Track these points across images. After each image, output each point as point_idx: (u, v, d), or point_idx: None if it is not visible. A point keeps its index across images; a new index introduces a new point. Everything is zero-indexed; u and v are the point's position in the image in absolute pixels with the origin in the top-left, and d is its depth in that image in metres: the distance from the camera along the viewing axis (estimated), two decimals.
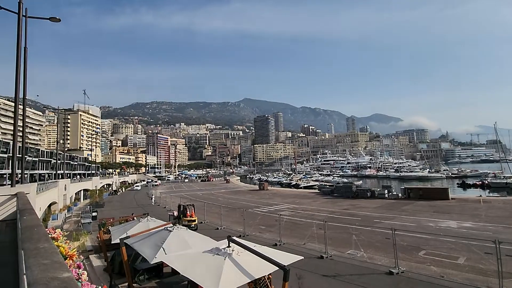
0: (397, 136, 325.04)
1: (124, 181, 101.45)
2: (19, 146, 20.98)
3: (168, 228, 9.59)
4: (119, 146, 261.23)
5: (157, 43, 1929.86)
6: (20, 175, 16.77)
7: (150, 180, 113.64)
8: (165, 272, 12.26)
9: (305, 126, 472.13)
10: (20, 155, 20.01)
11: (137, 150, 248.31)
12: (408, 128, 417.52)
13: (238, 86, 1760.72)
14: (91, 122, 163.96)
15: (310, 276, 11.26)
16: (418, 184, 62.59)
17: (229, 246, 7.12)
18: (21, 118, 17.78)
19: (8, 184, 19.57)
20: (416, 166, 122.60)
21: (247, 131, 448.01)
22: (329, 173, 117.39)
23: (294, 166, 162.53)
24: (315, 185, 66.38)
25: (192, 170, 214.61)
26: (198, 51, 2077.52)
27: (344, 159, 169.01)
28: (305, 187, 65.17)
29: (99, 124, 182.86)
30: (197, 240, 9.40)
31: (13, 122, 15.11)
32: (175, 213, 24.50)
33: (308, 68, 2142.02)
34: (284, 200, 39.19)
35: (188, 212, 23.26)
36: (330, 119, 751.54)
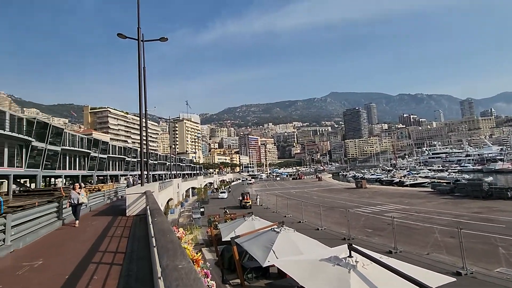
0: None
1: (223, 179, 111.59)
2: (144, 152, 25.08)
3: (275, 229, 9.22)
4: (216, 148, 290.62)
5: (243, 50, 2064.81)
6: (146, 176, 19.91)
7: (245, 179, 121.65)
8: (272, 272, 12.09)
9: (404, 115, 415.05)
10: (146, 159, 23.75)
11: (231, 151, 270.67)
12: None
13: (324, 81, 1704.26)
14: (193, 128, 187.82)
15: None
16: None
17: (351, 256, 6.08)
18: (145, 129, 21.13)
19: (139, 183, 23.61)
20: None
21: (336, 126, 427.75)
22: (441, 168, 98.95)
23: (394, 161, 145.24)
24: (425, 182, 56.92)
25: (282, 168, 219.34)
26: (281, 51, 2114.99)
27: (461, 151, 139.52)
28: (412, 185, 56.63)
29: (199, 130, 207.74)
30: (307, 243, 8.67)
31: (139, 133, 18.03)
32: (240, 198, 39.41)
33: (403, 50, 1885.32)
34: (389, 200, 34.75)
35: (245, 197, 37.96)
36: (438, 105, 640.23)
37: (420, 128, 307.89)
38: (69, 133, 36.17)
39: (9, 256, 6.20)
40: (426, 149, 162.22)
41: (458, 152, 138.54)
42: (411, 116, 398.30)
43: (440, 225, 19.32)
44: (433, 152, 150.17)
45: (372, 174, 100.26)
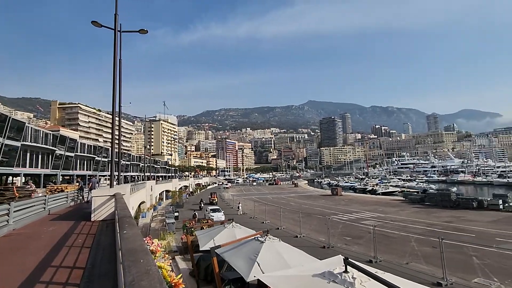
0: (496, 135, 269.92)
1: (198, 183, 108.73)
2: (116, 152, 23.32)
3: (258, 238, 8.51)
4: (193, 151, 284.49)
5: (225, 54, 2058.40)
6: (117, 177, 18.36)
7: (221, 183, 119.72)
8: (251, 284, 11.31)
9: (377, 126, 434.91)
10: (117, 159, 22.10)
11: (208, 154, 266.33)
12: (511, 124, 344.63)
13: (302, 89, 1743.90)
14: (170, 129, 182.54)
15: None
16: None
17: (346, 271, 5.52)
18: (117, 128, 19.60)
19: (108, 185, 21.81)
20: None
21: (313, 134, 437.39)
22: (409, 178, 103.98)
23: (366, 170, 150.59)
24: (396, 191, 59.16)
25: (258, 174, 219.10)
26: (262, 57, 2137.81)
27: (427, 162, 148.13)
28: (384, 193, 58.52)
29: (176, 131, 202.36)
30: (293, 254, 8.04)
31: (111, 132, 16.62)
32: (209, 196, 50.89)
33: (377, 64, 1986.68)
34: (364, 208, 35.33)
35: (213, 196, 50.05)
36: (406, 118, 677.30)
37: (390, 139, 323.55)
38: (31, 127, 33.12)
39: None
40: (395, 160, 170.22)
41: (424, 163, 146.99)
42: (382, 128, 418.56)
43: (416, 233, 19.64)
44: (402, 163, 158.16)
45: (346, 182, 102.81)
